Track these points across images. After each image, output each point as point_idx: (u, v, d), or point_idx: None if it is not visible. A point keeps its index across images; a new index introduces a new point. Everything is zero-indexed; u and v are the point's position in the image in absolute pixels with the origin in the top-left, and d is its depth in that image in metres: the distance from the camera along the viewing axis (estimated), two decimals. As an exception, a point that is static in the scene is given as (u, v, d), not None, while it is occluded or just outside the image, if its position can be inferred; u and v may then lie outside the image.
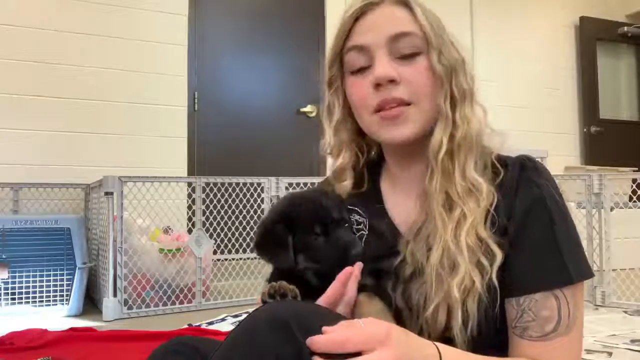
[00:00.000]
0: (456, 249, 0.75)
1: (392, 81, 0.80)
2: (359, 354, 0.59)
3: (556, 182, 0.81)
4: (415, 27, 0.82)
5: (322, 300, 0.73)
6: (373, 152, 0.97)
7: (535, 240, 0.76)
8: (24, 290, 2.46)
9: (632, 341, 1.96)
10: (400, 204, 0.88)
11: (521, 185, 0.78)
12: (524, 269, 0.75)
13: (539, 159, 3.44)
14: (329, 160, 0.96)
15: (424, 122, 0.82)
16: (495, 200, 0.77)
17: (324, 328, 0.61)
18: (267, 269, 0.83)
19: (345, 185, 0.91)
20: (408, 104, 0.81)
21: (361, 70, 0.84)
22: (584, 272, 0.76)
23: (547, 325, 0.73)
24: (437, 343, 0.67)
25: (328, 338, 0.60)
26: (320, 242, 0.75)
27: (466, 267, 0.73)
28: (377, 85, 0.81)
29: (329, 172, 0.99)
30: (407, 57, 0.82)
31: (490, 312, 0.74)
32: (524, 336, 0.74)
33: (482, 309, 0.73)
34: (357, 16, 0.84)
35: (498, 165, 0.80)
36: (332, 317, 0.65)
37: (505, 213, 0.77)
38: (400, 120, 0.81)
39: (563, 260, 0.74)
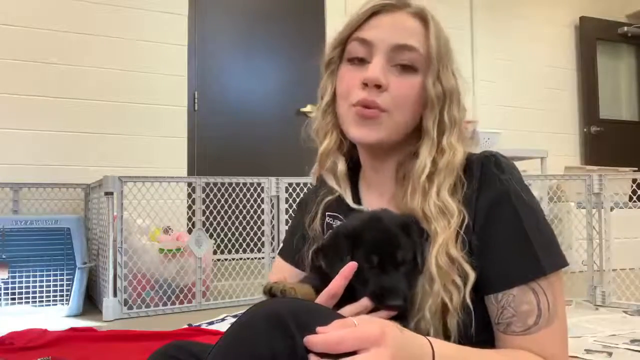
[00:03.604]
0: (426, 271, 0.76)
1: (379, 86, 0.82)
2: (354, 352, 0.60)
3: (521, 175, 0.81)
4: (422, 45, 0.83)
5: (324, 294, 0.73)
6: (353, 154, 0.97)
7: (505, 237, 0.76)
8: (24, 290, 2.46)
9: (632, 341, 1.96)
10: (376, 205, 0.89)
11: (483, 183, 0.79)
12: (497, 266, 0.76)
13: (540, 159, 3.41)
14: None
15: (392, 132, 0.84)
16: (466, 219, 0.77)
17: (318, 328, 0.61)
18: (266, 270, 0.83)
19: (340, 169, 0.92)
20: (384, 110, 0.83)
21: (358, 60, 0.85)
22: (557, 262, 0.76)
23: (529, 319, 0.73)
24: (430, 338, 0.67)
25: (324, 338, 0.60)
26: (371, 273, 0.74)
27: (438, 287, 0.74)
28: (364, 85, 0.83)
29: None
30: (403, 69, 0.83)
31: (470, 328, 0.75)
32: (508, 332, 0.75)
33: (461, 325, 0.74)
34: (374, 12, 0.85)
35: (462, 177, 0.81)
36: (329, 316, 0.66)
37: (470, 214, 0.78)
38: (371, 122, 0.83)
39: (535, 253, 0.75)
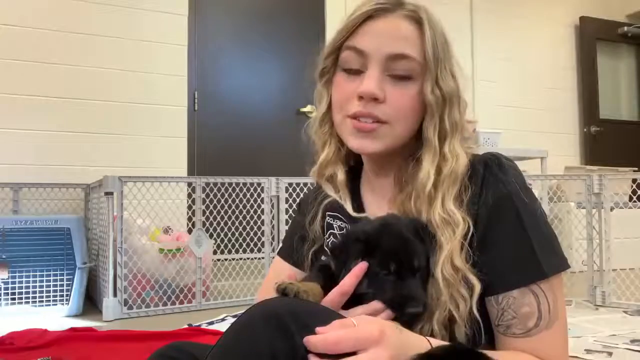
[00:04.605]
0: (433, 280, 0.75)
1: (375, 99, 0.81)
2: (354, 352, 0.60)
3: (524, 177, 0.81)
4: (417, 51, 0.81)
5: (335, 292, 0.73)
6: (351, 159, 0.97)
7: (506, 239, 0.76)
8: (24, 290, 2.46)
9: (632, 341, 1.96)
10: (379, 208, 0.88)
11: (486, 184, 0.79)
12: (498, 268, 0.75)
13: (540, 159, 3.40)
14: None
15: (393, 141, 0.83)
16: (471, 229, 0.77)
17: (318, 329, 0.62)
18: (266, 270, 0.83)
19: (340, 179, 0.91)
20: (383, 122, 0.82)
21: (353, 71, 0.84)
22: (557, 265, 0.76)
23: (529, 321, 0.73)
24: (429, 338, 0.68)
25: (323, 338, 0.60)
26: (388, 279, 0.74)
27: (445, 298, 0.74)
28: (360, 98, 0.81)
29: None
30: (399, 78, 0.82)
31: (477, 337, 0.74)
32: (508, 334, 0.74)
33: (469, 334, 0.74)
34: (366, 17, 0.83)
35: (467, 182, 0.80)
36: (329, 316, 0.66)
37: (473, 217, 0.77)
38: (371, 135, 0.82)
39: (536, 255, 0.74)
